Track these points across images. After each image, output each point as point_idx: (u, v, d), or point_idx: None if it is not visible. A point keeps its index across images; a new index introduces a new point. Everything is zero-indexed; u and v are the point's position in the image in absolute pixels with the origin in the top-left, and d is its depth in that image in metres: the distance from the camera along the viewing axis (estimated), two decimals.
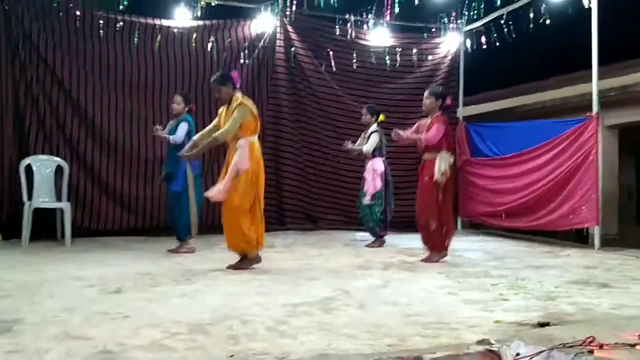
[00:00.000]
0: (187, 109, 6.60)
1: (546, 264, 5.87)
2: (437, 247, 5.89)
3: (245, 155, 5.24)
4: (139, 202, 8.09)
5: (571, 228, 7.64)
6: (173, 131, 6.47)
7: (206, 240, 7.17)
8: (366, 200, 7.21)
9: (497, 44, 8.71)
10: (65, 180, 7.43)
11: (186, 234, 6.47)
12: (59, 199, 7.39)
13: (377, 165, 7.24)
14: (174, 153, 6.14)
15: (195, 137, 5.63)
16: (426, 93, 5.91)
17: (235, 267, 5.32)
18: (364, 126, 7.61)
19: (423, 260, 5.86)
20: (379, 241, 7.28)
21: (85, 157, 7.89)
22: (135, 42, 8.10)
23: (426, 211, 5.83)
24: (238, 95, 5.36)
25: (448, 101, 5.94)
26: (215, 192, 5.25)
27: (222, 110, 5.44)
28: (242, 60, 8.75)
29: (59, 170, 7.49)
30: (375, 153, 7.27)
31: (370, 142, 7.25)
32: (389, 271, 5.37)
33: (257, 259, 5.37)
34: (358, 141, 7.53)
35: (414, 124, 6.13)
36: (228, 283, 4.64)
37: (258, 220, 5.30)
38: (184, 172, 6.30)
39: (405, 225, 8.23)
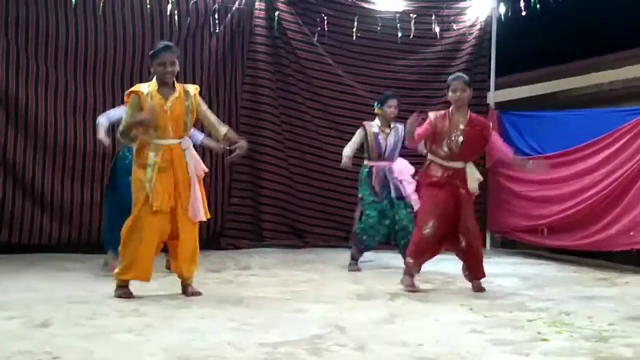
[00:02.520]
0: None
1: (598, 295, 5.89)
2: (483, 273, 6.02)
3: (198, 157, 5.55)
4: (73, 209, 8.10)
5: (631, 248, 7.68)
6: None
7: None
8: (412, 210, 7.14)
9: (539, 7, 8.75)
10: None
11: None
12: None
13: (407, 164, 7.38)
14: None
15: None
16: (461, 83, 5.92)
17: (196, 292, 5.44)
18: (369, 115, 7.66)
19: (479, 290, 5.88)
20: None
21: (6, 151, 7.89)
22: (73, 2, 8.09)
23: (476, 232, 5.97)
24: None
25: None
26: (203, 212, 5.47)
27: (148, 96, 5.30)
28: (210, 28, 8.77)
29: None
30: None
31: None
32: (396, 302, 5.39)
33: None
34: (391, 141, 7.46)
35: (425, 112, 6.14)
36: (189, 316, 4.65)
37: None
38: None
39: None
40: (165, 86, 5.35)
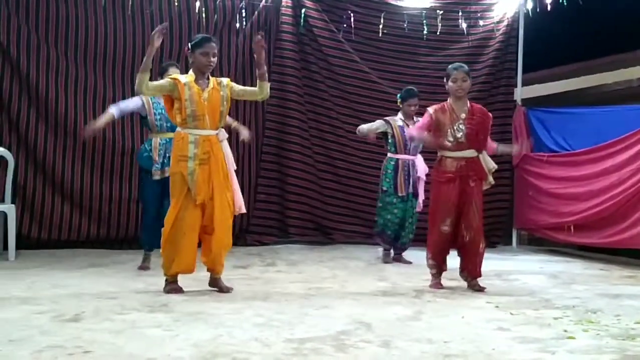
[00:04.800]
0: None
1: (626, 293, 5.86)
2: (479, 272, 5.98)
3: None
4: (102, 205, 8.17)
5: None
6: None
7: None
8: (419, 207, 7.43)
9: (566, 3, 8.69)
10: (10, 176, 7.52)
11: None
12: (1, 199, 7.48)
13: (424, 164, 7.51)
14: None
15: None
16: (462, 73, 5.84)
17: (228, 288, 5.49)
18: (395, 112, 7.70)
19: (478, 290, 5.86)
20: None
21: (36, 146, 7.98)
22: (103, 1, 8.17)
23: (480, 228, 5.90)
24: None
25: None
26: (240, 205, 5.58)
27: (186, 86, 5.33)
28: (237, 25, 8.82)
29: (1, 163, 7.58)
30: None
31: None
32: (421, 299, 5.40)
33: None
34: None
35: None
36: (217, 311, 4.68)
37: None
38: None
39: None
40: (201, 77, 5.40)
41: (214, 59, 5.39)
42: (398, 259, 7.54)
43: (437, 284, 5.91)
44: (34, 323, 4.19)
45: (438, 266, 5.96)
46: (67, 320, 4.29)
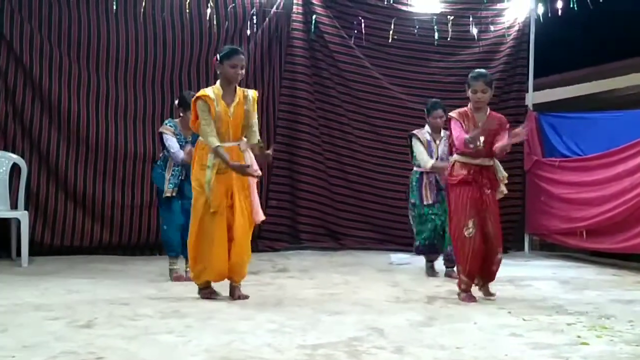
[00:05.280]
0: None
1: (639, 298, 5.82)
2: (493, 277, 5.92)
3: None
4: (114, 212, 8.20)
5: None
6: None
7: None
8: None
9: (577, 8, 8.68)
10: (23, 183, 7.57)
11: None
12: (14, 206, 7.53)
13: None
14: None
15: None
16: (482, 84, 5.75)
17: (244, 296, 5.50)
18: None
19: (488, 295, 5.84)
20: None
21: (49, 153, 8.03)
22: (114, 7, 8.22)
23: (499, 236, 5.80)
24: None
25: None
26: (260, 214, 5.57)
27: (214, 102, 5.32)
28: (248, 31, 8.85)
29: (14, 169, 7.63)
30: None
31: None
32: (434, 305, 5.39)
33: None
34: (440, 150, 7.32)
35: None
36: (229, 317, 4.70)
37: None
38: None
39: None
40: (228, 88, 5.43)
41: (242, 71, 5.42)
42: (449, 273, 6.90)
43: (470, 297, 5.62)
44: (48, 329, 4.22)
45: (470, 283, 5.70)
46: (80, 327, 4.32)
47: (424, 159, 6.96)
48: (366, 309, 5.14)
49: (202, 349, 3.76)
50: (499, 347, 3.97)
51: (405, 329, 4.44)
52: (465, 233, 5.62)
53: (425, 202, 7.08)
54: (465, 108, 5.89)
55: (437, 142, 7.07)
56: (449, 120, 5.94)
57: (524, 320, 4.76)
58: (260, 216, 5.56)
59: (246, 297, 5.48)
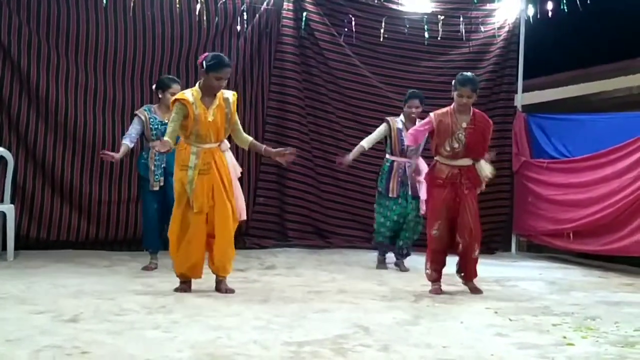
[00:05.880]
0: None
1: (625, 300, 5.87)
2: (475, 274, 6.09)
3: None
4: (101, 207, 8.16)
5: None
6: None
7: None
8: (423, 209, 7.22)
9: (566, 10, 8.71)
10: (9, 176, 7.52)
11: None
12: (0, 200, 7.48)
13: (426, 167, 7.37)
14: None
15: None
16: (469, 90, 5.79)
17: (230, 290, 5.58)
18: (392, 115, 7.71)
19: (475, 291, 5.92)
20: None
21: (36, 146, 7.98)
22: (104, 1, 8.17)
23: (477, 233, 5.97)
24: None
25: None
26: (243, 214, 5.80)
27: (193, 105, 5.40)
28: (238, 27, 8.81)
29: (1, 163, 7.58)
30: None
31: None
32: (420, 303, 5.41)
33: None
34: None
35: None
36: (216, 313, 4.70)
37: None
38: None
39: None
40: (209, 94, 5.48)
41: (225, 82, 5.51)
42: (398, 264, 7.46)
43: (437, 290, 5.93)
44: (33, 323, 4.20)
45: (436, 275, 6.00)
46: (65, 321, 4.31)
47: (364, 141, 7.52)
48: (353, 307, 5.15)
49: (188, 345, 3.75)
50: (485, 346, 3.98)
51: (391, 327, 4.45)
52: (432, 232, 5.95)
53: (390, 194, 7.28)
54: (448, 108, 5.96)
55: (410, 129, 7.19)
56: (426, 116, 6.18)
57: (510, 320, 4.79)
58: (243, 216, 5.69)
59: (232, 291, 5.56)
